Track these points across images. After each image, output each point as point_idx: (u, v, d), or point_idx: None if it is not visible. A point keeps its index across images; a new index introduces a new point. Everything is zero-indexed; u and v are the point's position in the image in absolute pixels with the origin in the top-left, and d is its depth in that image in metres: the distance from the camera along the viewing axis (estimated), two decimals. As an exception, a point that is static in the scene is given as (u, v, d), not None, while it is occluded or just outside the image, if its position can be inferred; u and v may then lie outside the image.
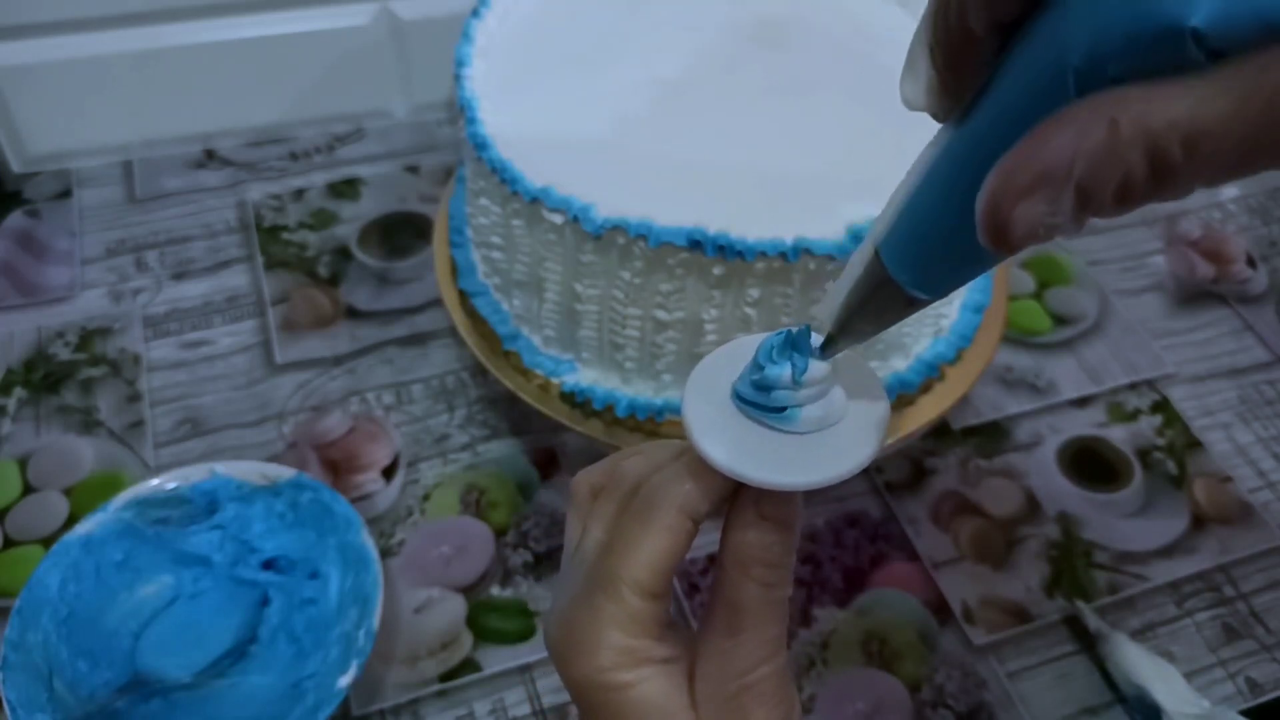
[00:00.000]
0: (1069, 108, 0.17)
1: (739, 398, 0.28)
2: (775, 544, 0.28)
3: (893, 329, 0.50)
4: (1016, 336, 0.67)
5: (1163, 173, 0.17)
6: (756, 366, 0.28)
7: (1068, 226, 0.18)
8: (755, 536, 0.28)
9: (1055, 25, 0.18)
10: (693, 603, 0.53)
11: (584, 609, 0.29)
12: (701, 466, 0.28)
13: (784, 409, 0.27)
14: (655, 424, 0.51)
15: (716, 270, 0.45)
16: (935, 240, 0.23)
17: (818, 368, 0.27)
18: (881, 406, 0.28)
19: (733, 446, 0.27)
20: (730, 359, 0.29)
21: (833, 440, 0.28)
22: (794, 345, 0.27)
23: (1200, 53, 0.16)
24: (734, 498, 0.29)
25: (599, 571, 0.29)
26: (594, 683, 0.28)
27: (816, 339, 0.27)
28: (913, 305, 0.25)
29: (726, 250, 0.43)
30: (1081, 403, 0.63)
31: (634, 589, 0.28)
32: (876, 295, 0.25)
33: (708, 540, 0.30)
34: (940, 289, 0.24)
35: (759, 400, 0.27)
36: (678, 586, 0.53)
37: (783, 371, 0.27)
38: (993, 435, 0.61)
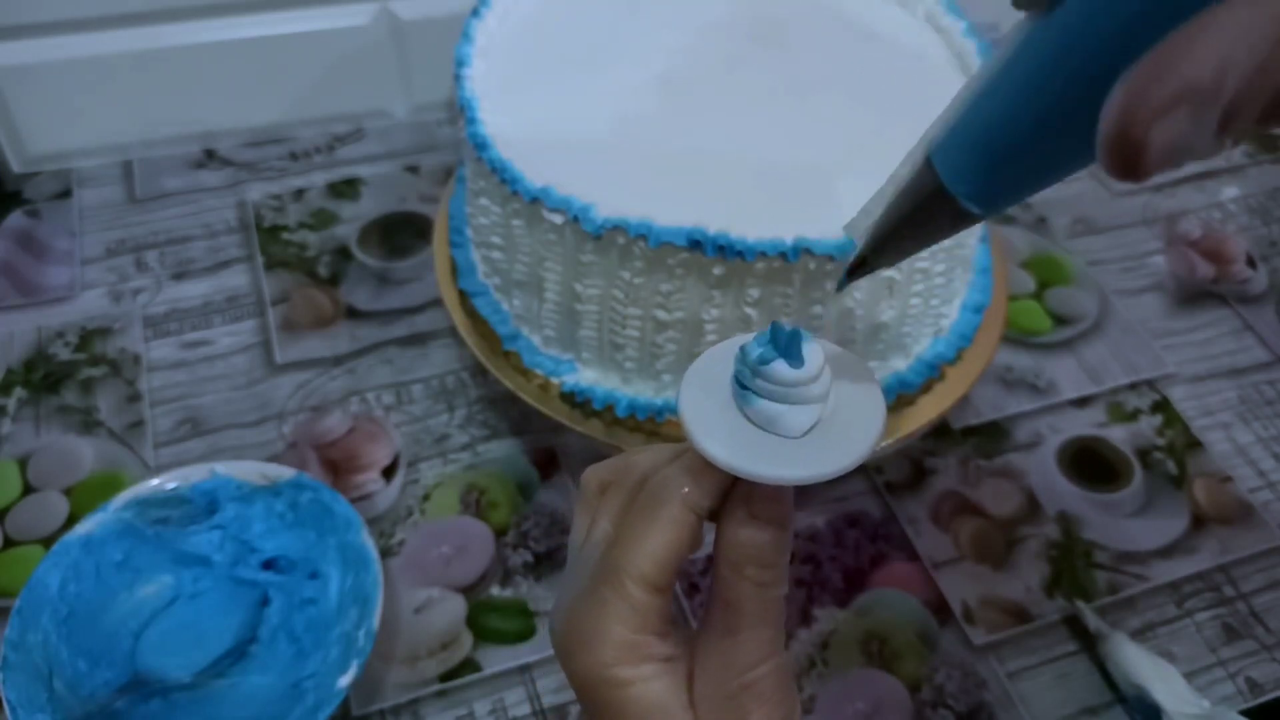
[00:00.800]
0: (1218, 8, 0.15)
1: (735, 379, 0.28)
2: (767, 543, 0.28)
3: (892, 328, 0.50)
4: (1016, 336, 0.67)
5: None
6: (751, 363, 0.27)
7: (1207, 147, 0.16)
8: (747, 536, 0.28)
9: None
10: (693, 602, 0.53)
11: (589, 602, 0.29)
12: (702, 462, 0.28)
13: (748, 390, 0.27)
14: (655, 424, 0.51)
15: (716, 270, 0.45)
16: (1005, 145, 0.21)
17: (812, 365, 0.27)
18: (878, 405, 0.28)
19: (728, 441, 0.27)
20: (728, 356, 0.29)
21: (828, 437, 0.27)
22: (786, 342, 0.27)
23: None
24: (728, 498, 0.29)
25: (604, 564, 0.29)
26: (597, 678, 0.28)
27: (814, 347, 0.27)
28: (962, 220, 0.23)
29: (726, 250, 0.43)
30: (1081, 403, 0.63)
31: (638, 582, 0.28)
32: (924, 207, 0.23)
33: (707, 540, 0.30)
34: (999, 203, 0.22)
35: (744, 380, 0.27)
36: (677, 586, 0.53)
37: (780, 370, 0.27)
38: (993, 435, 0.61)
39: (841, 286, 0.25)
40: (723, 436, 0.27)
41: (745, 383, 0.27)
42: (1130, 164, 0.16)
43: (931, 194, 0.22)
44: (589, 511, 0.31)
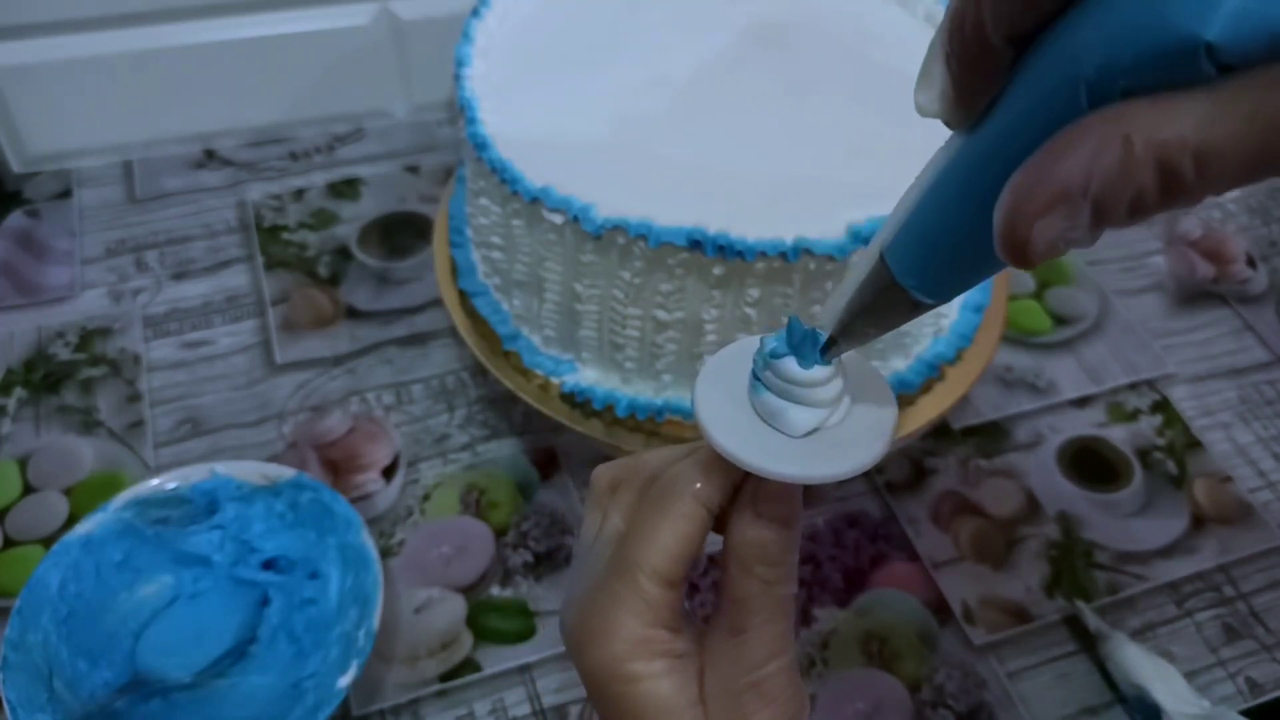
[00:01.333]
0: (1081, 122, 0.18)
1: (752, 378, 0.28)
2: (774, 542, 0.28)
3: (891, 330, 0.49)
4: (1016, 336, 0.67)
5: (1174, 187, 0.17)
6: (764, 360, 0.28)
7: (1084, 239, 0.18)
8: (754, 534, 0.28)
9: (1069, 37, 0.18)
10: (693, 602, 0.53)
11: (601, 596, 0.29)
12: (713, 458, 0.28)
13: (759, 382, 0.28)
14: (655, 424, 0.51)
15: (716, 270, 0.45)
16: (943, 246, 0.23)
17: (822, 368, 0.27)
18: (889, 410, 0.29)
19: (736, 435, 0.27)
20: (748, 352, 0.29)
21: (835, 442, 0.28)
22: (800, 341, 0.27)
23: (1211, 67, 0.16)
24: (736, 497, 0.29)
25: (617, 559, 0.29)
26: (608, 672, 0.29)
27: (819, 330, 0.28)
28: (917, 309, 0.25)
29: (726, 250, 0.43)
30: (1081, 403, 0.63)
31: (651, 576, 0.28)
32: (880, 299, 0.25)
33: (708, 540, 0.30)
34: (946, 293, 0.25)
35: (764, 387, 0.28)
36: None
37: (789, 367, 0.27)
38: (993, 435, 0.61)
39: (823, 361, 0.28)
40: (732, 430, 0.28)
41: (758, 373, 0.28)
42: (1020, 256, 0.19)
43: (886, 287, 0.25)
44: (599, 509, 0.32)
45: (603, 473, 0.33)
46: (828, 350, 0.27)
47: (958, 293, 0.25)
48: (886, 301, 0.25)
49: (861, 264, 0.26)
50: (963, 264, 0.23)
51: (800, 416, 0.27)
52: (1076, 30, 0.18)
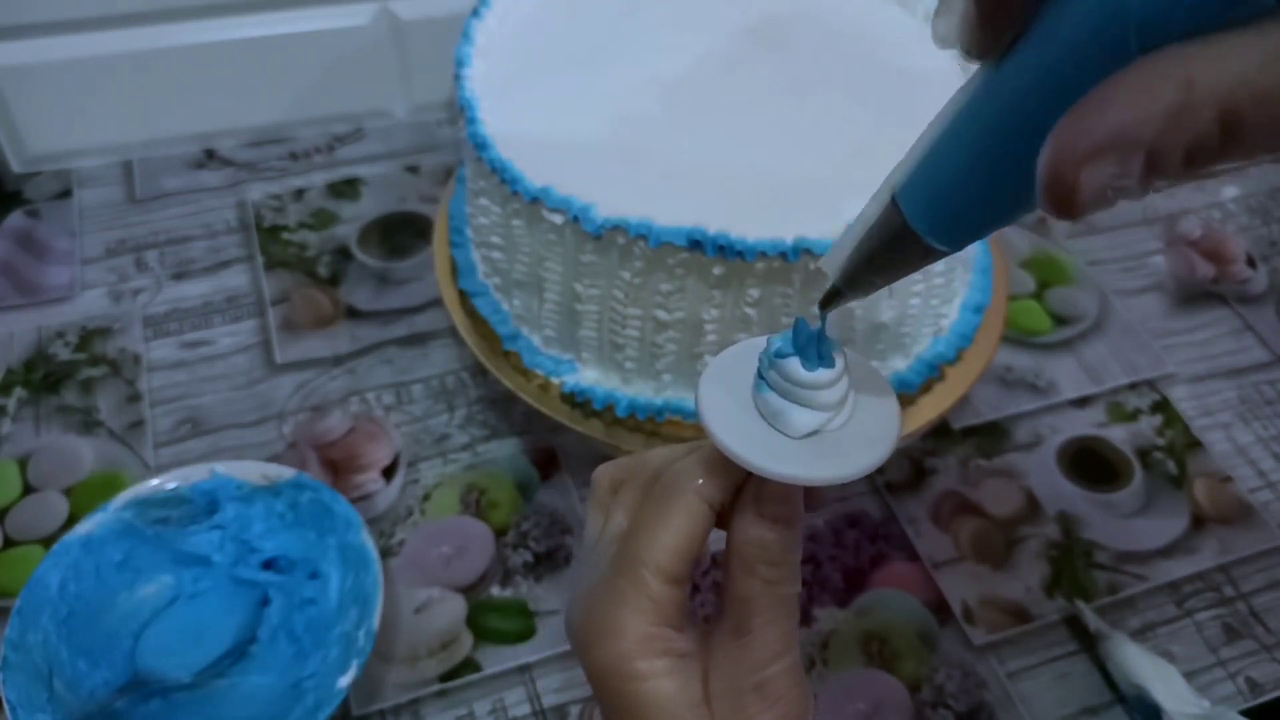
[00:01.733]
0: (1134, 65, 0.17)
1: (757, 376, 0.28)
2: (775, 542, 0.28)
3: (892, 328, 0.50)
4: (1016, 336, 0.67)
5: (1236, 133, 0.16)
6: (769, 360, 0.28)
7: (1135, 189, 0.17)
8: (755, 535, 0.28)
9: None
10: (694, 602, 0.53)
11: (606, 594, 0.29)
12: (715, 456, 0.28)
13: (764, 382, 0.28)
14: (655, 424, 0.51)
15: (716, 270, 0.44)
16: (963, 188, 0.22)
17: (825, 372, 0.27)
18: (893, 415, 0.28)
19: (738, 434, 0.27)
20: (751, 353, 0.29)
21: (843, 442, 0.28)
22: (805, 342, 0.27)
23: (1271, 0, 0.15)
24: (738, 497, 0.29)
25: (621, 557, 0.29)
26: (614, 670, 0.29)
27: (825, 332, 0.27)
28: (929, 256, 0.24)
29: (726, 250, 0.43)
30: (1081, 403, 0.63)
31: (656, 573, 0.28)
32: (891, 245, 0.24)
33: (710, 540, 0.30)
34: (962, 239, 0.23)
35: (766, 385, 0.28)
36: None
37: (809, 373, 0.27)
38: (993, 435, 0.61)
39: (821, 318, 0.27)
40: (735, 429, 0.28)
41: (763, 373, 0.28)
42: (1065, 205, 0.18)
43: (898, 231, 0.23)
44: (602, 508, 0.32)
45: (604, 472, 0.33)
46: (830, 303, 0.26)
47: (974, 239, 0.23)
48: (897, 248, 0.24)
49: (871, 208, 0.24)
50: (984, 207, 0.22)
51: (802, 418, 0.27)
52: None
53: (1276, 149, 0.17)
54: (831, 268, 0.26)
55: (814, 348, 0.27)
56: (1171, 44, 0.16)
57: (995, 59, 0.20)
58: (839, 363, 0.27)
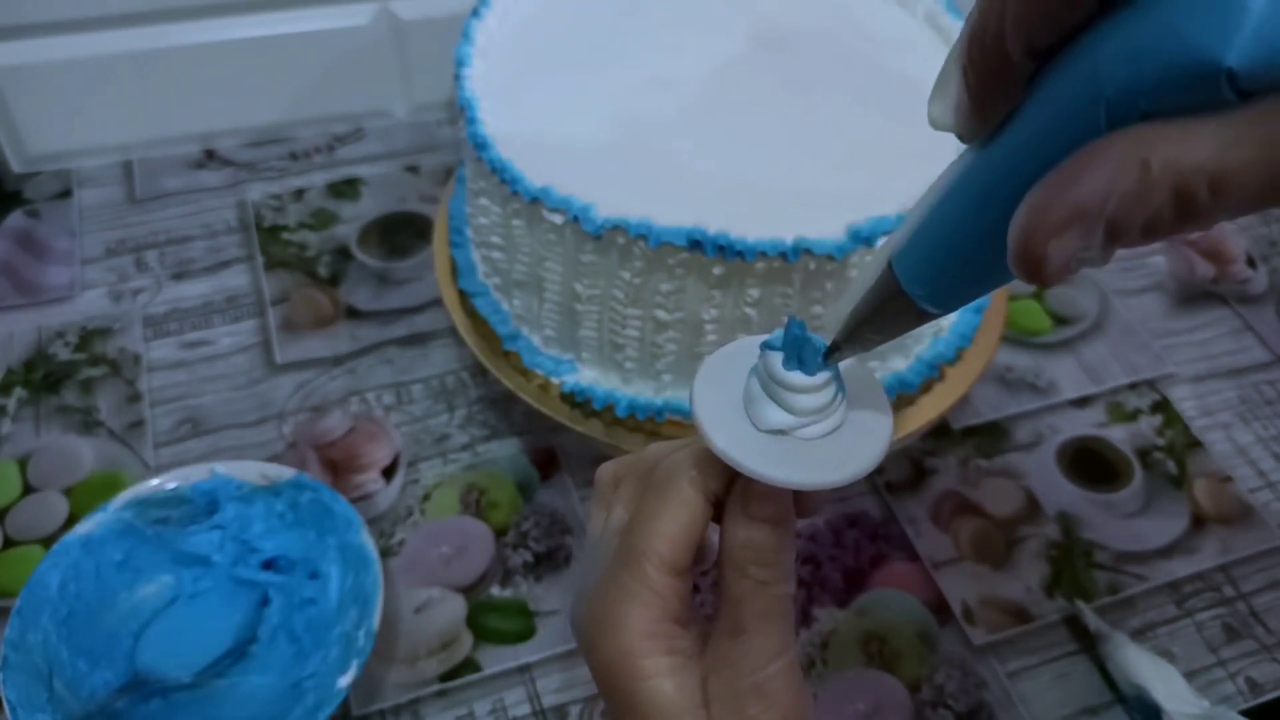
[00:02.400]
0: (1099, 142, 0.18)
1: (749, 380, 0.29)
2: (764, 543, 0.29)
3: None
4: (1016, 336, 0.67)
5: (1189, 210, 0.17)
6: (762, 349, 0.28)
7: (1097, 259, 0.18)
8: (745, 536, 0.29)
9: (1090, 56, 0.18)
10: (695, 600, 0.53)
11: (610, 587, 0.29)
12: (708, 450, 0.28)
13: (763, 393, 0.28)
14: (655, 424, 0.51)
15: (716, 270, 0.45)
16: (952, 257, 0.23)
17: (804, 377, 0.27)
18: (885, 422, 0.29)
19: (731, 433, 0.28)
20: (748, 351, 0.29)
21: (833, 447, 0.28)
22: (792, 341, 0.27)
23: (1231, 93, 0.16)
24: (729, 497, 0.29)
25: (622, 549, 0.30)
26: (617, 666, 0.29)
27: (822, 339, 0.28)
28: (922, 318, 0.25)
29: (726, 250, 0.43)
30: (1081, 403, 0.63)
31: (658, 565, 0.29)
32: (887, 306, 0.26)
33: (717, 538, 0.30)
34: (952, 304, 0.25)
35: (753, 375, 0.28)
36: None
37: (787, 372, 0.27)
38: (993, 435, 0.61)
39: (825, 365, 0.28)
40: (725, 427, 0.28)
41: (755, 370, 0.28)
42: (1035, 274, 0.19)
43: (893, 295, 0.25)
44: (605, 504, 0.32)
45: (607, 469, 0.33)
46: (830, 355, 0.28)
47: (964, 303, 0.25)
48: (893, 309, 0.25)
49: (869, 272, 0.26)
50: (971, 276, 0.24)
51: (771, 413, 0.28)
52: (1098, 49, 0.18)
53: (1233, 219, 0.18)
54: (832, 324, 0.27)
55: (797, 350, 0.27)
56: (1137, 124, 0.18)
57: (984, 140, 0.22)
58: (822, 374, 0.27)
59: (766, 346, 0.28)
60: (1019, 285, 0.69)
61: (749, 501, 0.29)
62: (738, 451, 0.27)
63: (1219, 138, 0.17)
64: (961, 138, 0.23)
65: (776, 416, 0.28)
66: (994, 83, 0.21)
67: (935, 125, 0.23)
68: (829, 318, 0.28)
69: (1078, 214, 0.18)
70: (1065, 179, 0.18)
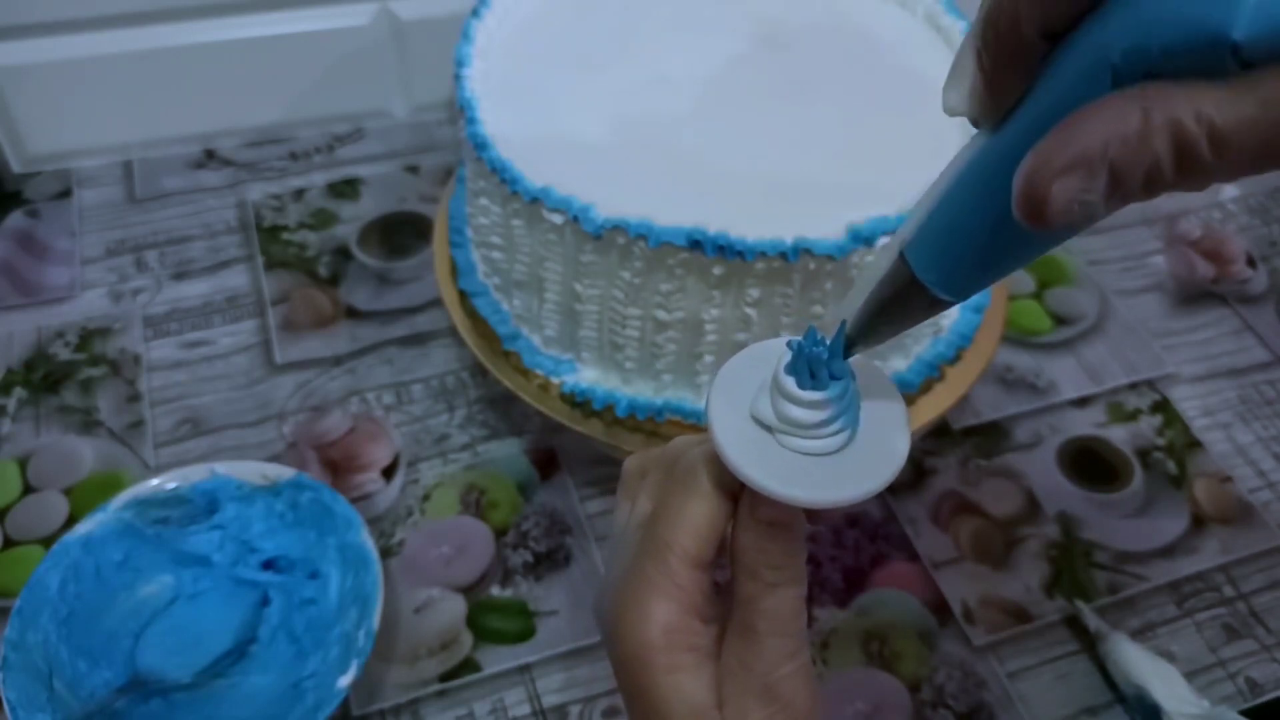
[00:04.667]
0: (1105, 97, 0.19)
1: (755, 413, 0.28)
2: (774, 546, 0.29)
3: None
4: (1016, 336, 0.67)
5: (1188, 163, 0.18)
6: (775, 379, 0.28)
7: (1099, 207, 0.19)
8: (753, 539, 0.29)
9: (1100, 30, 0.19)
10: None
11: (635, 579, 0.29)
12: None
13: (799, 425, 0.27)
14: (655, 424, 0.51)
15: (716, 270, 0.44)
16: (964, 242, 0.24)
17: (814, 395, 0.27)
18: (893, 459, 0.28)
19: (741, 442, 0.27)
20: (765, 359, 0.29)
21: (843, 463, 0.27)
22: (813, 358, 0.27)
23: (1234, 63, 0.17)
24: (739, 500, 0.29)
25: (646, 540, 0.30)
26: (639, 660, 0.29)
27: (836, 345, 0.27)
28: (935, 307, 0.25)
29: (726, 250, 0.43)
30: (1081, 403, 0.63)
31: (681, 557, 0.29)
32: (899, 297, 0.26)
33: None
34: (965, 290, 0.25)
35: (775, 415, 0.28)
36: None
37: (799, 389, 0.27)
38: (993, 435, 0.61)
39: (840, 371, 0.28)
40: (735, 435, 0.28)
41: (769, 374, 0.28)
42: (1036, 215, 0.20)
43: (905, 285, 0.25)
44: (630, 496, 0.32)
45: (632, 461, 0.33)
46: (845, 352, 0.27)
47: (977, 290, 0.25)
48: (906, 299, 0.25)
49: (880, 262, 0.26)
50: (984, 260, 0.24)
51: (783, 427, 0.27)
52: (1106, 24, 0.19)
53: (1231, 179, 0.19)
54: (845, 321, 0.27)
55: (811, 363, 0.27)
56: (1140, 82, 0.18)
57: (996, 124, 0.22)
58: (834, 387, 0.27)
59: (791, 348, 0.27)
60: (1019, 285, 0.69)
61: (757, 506, 0.28)
62: (747, 465, 0.27)
63: (1218, 94, 0.17)
64: (975, 122, 0.23)
65: (786, 430, 0.27)
66: (1008, 64, 0.21)
67: (950, 112, 0.23)
68: (836, 313, 0.27)
69: (1081, 157, 0.19)
70: (1070, 126, 0.19)
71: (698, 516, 0.29)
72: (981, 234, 0.23)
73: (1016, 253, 0.22)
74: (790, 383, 0.27)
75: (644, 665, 0.29)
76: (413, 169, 0.75)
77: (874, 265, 0.26)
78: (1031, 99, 0.21)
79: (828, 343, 0.27)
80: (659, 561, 0.29)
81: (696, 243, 0.44)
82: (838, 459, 0.28)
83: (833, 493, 0.27)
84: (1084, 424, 0.62)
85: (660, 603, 0.29)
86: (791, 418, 0.27)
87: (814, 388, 0.27)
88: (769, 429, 0.28)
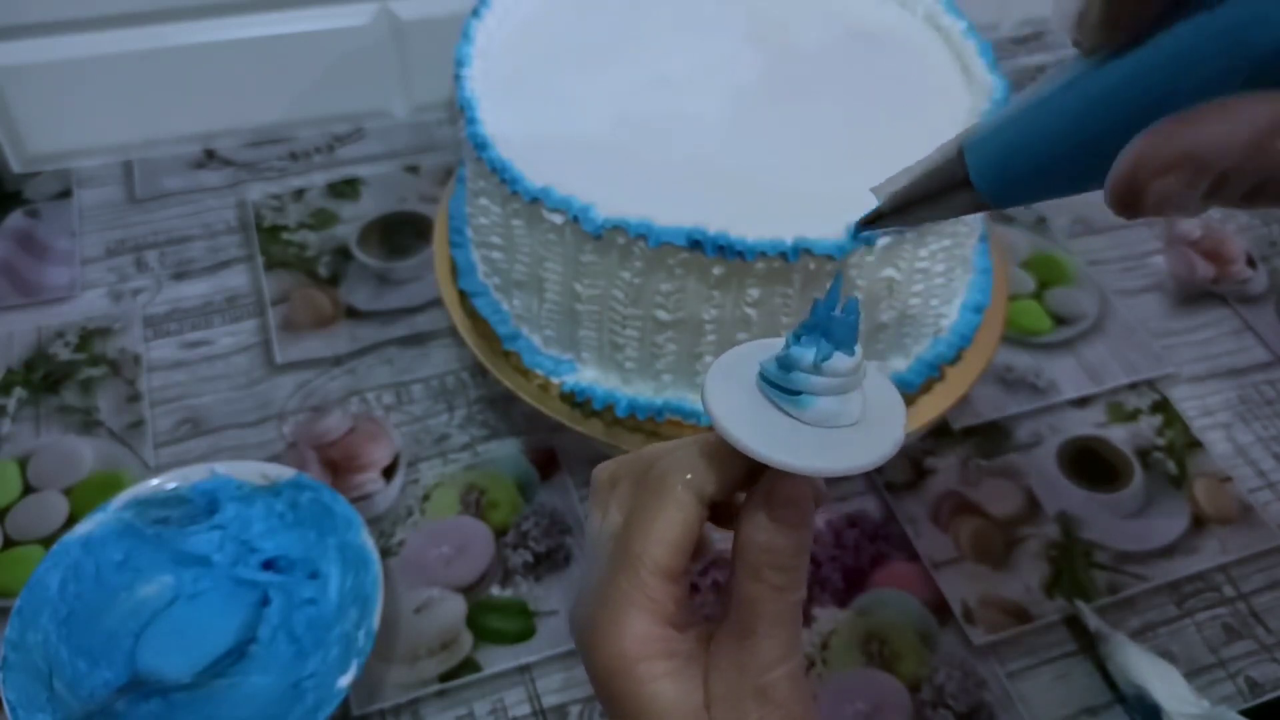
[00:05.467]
0: (1233, 98, 0.18)
1: (763, 378, 0.28)
2: (785, 547, 0.28)
3: (892, 328, 0.50)
4: (1016, 336, 0.67)
5: None
6: (784, 346, 0.28)
7: (1192, 208, 0.19)
8: (765, 539, 0.28)
9: (1248, 6, 0.18)
10: (693, 602, 0.53)
11: (608, 592, 0.29)
12: (713, 446, 0.28)
13: (801, 393, 0.27)
14: (655, 424, 0.51)
15: (716, 270, 0.45)
16: (1032, 161, 0.24)
17: (841, 361, 0.27)
18: (898, 410, 0.28)
19: (749, 425, 0.27)
20: (762, 348, 0.29)
21: (848, 437, 0.28)
22: (824, 330, 0.27)
23: None
24: (746, 498, 0.29)
25: (618, 554, 0.29)
26: (616, 672, 0.29)
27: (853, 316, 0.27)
28: (975, 209, 0.26)
29: (726, 250, 0.43)
30: (1081, 403, 0.63)
31: (652, 569, 0.28)
32: (946, 190, 0.26)
33: (716, 539, 0.30)
34: (1012, 201, 0.25)
35: (781, 381, 0.28)
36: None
37: (807, 353, 0.27)
38: (993, 435, 0.61)
39: (856, 235, 0.28)
40: (746, 421, 0.27)
41: (776, 366, 0.28)
42: (1130, 205, 0.19)
43: (956, 181, 0.25)
44: (601, 506, 0.32)
45: (602, 469, 0.33)
46: (872, 223, 0.28)
47: (1022, 203, 0.26)
48: (951, 194, 0.26)
49: (937, 153, 0.26)
50: (1044, 182, 0.24)
51: (825, 407, 0.27)
52: (1255, 3, 0.18)
53: None
54: (883, 194, 0.28)
55: (825, 330, 0.27)
56: (1275, 89, 0.18)
57: (1102, 56, 0.22)
58: (846, 359, 0.27)
59: (794, 343, 0.27)
60: (1019, 285, 0.69)
61: (774, 506, 0.28)
62: (759, 444, 0.27)
63: None
64: (1081, 49, 0.22)
65: (835, 405, 0.27)
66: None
67: (1062, 27, 0.23)
68: (879, 188, 0.28)
69: (1191, 157, 0.18)
70: (1189, 121, 0.18)
71: (669, 527, 0.28)
72: (1051, 159, 0.23)
73: (1079, 185, 0.21)
74: (822, 346, 0.27)
75: (621, 677, 0.28)
76: (413, 169, 0.75)
77: (929, 155, 0.26)
78: (1149, 47, 0.20)
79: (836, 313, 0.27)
80: (631, 574, 0.28)
81: (696, 243, 0.44)
82: (847, 435, 0.28)
83: (846, 460, 0.27)
84: (1084, 424, 0.62)
85: (634, 615, 0.28)
86: (829, 372, 0.27)
87: (820, 356, 0.27)
88: (785, 397, 0.27)
